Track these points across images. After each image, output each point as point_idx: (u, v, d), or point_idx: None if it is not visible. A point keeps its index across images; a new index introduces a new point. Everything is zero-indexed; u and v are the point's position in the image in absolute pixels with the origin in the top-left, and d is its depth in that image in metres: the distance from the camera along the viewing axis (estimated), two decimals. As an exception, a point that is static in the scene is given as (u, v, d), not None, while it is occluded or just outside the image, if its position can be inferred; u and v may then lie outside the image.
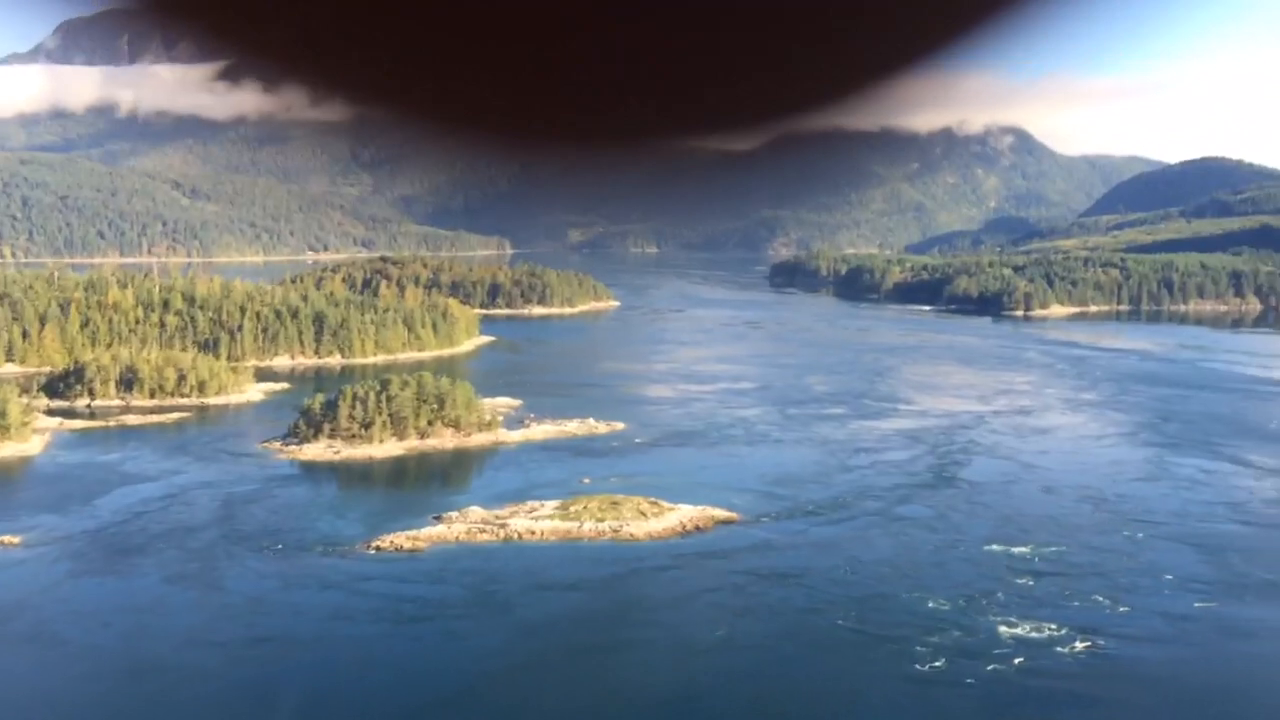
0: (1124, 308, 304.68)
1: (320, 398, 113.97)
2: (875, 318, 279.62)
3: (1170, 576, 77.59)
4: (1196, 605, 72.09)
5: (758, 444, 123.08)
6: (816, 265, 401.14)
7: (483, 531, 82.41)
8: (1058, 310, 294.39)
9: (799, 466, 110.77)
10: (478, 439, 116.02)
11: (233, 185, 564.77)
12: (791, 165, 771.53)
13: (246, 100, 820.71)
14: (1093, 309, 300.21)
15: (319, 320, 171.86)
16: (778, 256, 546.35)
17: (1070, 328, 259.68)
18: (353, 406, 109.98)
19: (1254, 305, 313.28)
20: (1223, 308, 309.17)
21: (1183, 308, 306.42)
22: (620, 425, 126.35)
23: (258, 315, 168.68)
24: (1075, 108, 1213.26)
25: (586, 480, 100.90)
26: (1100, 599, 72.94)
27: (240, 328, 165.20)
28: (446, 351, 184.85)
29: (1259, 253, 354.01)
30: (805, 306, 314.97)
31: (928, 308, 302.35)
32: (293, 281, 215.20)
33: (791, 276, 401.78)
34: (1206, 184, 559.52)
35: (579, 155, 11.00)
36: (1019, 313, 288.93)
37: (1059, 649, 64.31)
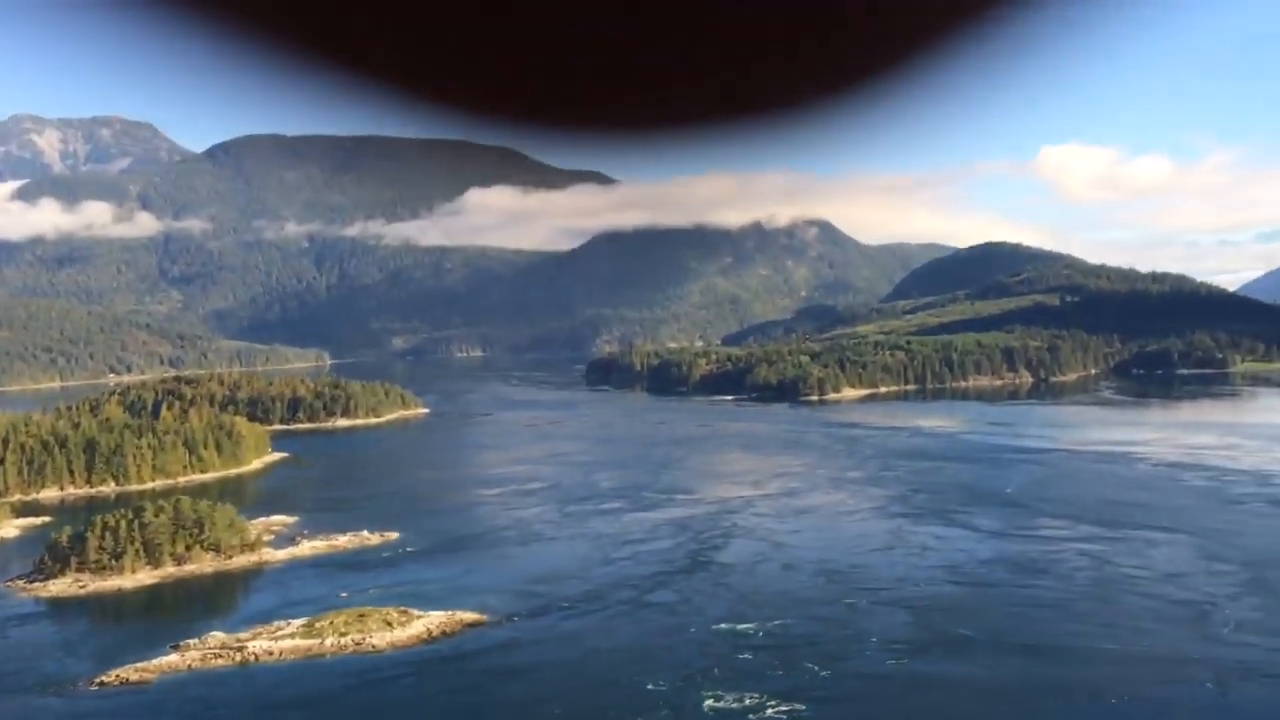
0: (911, 387, 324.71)
1: (68, 530, 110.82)
2: (678, 410, 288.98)
3: (875, 639, 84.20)
4: (889, 663, 78.67)
5: (530, 544, 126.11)
6: (630, 361, 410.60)
7: (218, 657, 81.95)
8: (849, 393, 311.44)
9: (563, 563, 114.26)
10: (240, 561, 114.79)
11: (26, 309, 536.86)
12: (612, 264, 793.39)
13: (44, 219, 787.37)
14: (882, 390, 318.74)
15: (91, 447, 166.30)
16: (602, 354, 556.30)
17: (857, 409, 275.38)
18: (102, 537, 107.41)
19: (1025, 378, 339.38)
20: (998, 382, 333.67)
21: (963, 384, 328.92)
22: (394, 535, 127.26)
23: (22, 447, 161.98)
24: (874, 200, 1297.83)
25: (344, 595, 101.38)
26: (808, 665, 78.58)
27: (2, 461, 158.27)
28: (233, 471, 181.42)
29: (1029, 329, 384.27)
30: (614, 403, 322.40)
31: (730, 397, 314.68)
32: (68, 408, 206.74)
33: (607, 374, 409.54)
34: (990, 267, 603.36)
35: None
36: (814, 397, 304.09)
37: (755, 716, 69.21)
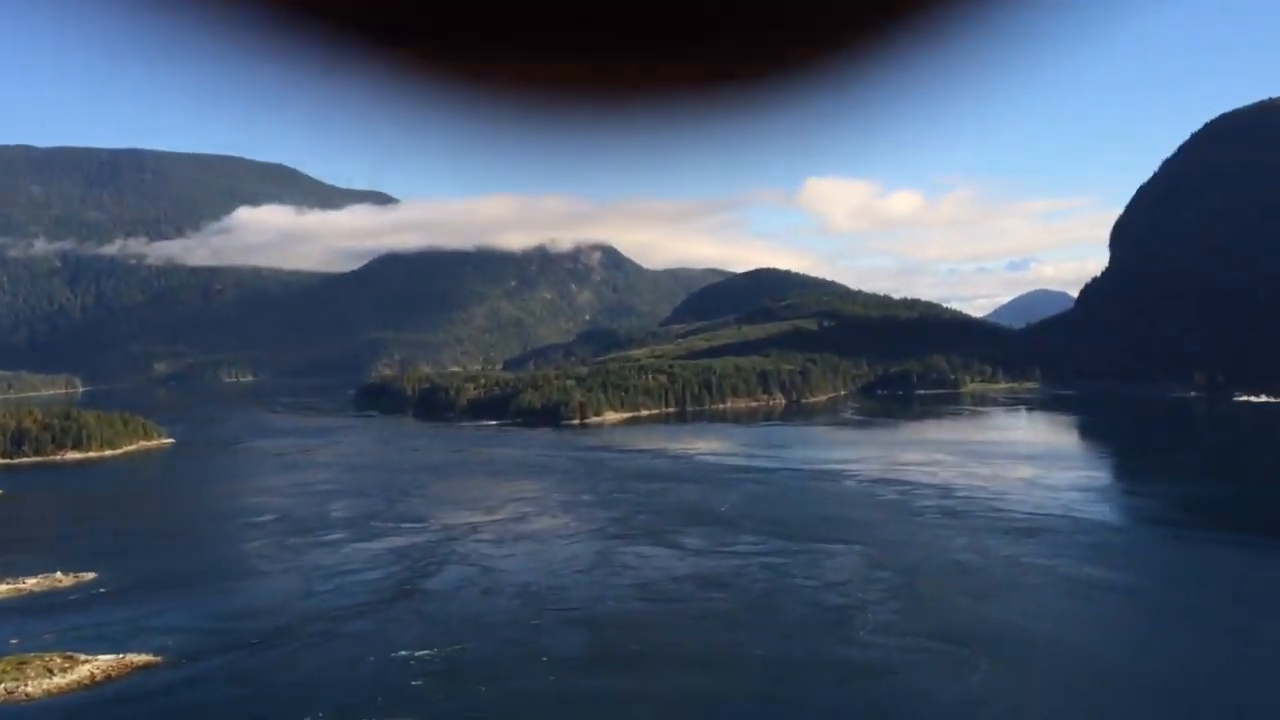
0: (672, 410, 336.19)
1: None
2: (437, 436, 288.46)
3: (546, 658, 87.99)
4: (550, 680, 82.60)
5: (237, 579, 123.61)
6: (401, 386, 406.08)
7: None
8: (612, 416, 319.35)
9: (262, 598, 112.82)
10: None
11: None
12: (393, 285, 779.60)
13: None
14: (644, 413, 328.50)
15: None
16: (381, 378, 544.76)
17: (615, 433, 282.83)
18: None
19: (780, 400, 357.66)
20: (754, 404, 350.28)
21: (722, 406, 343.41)
22: (89, 576, 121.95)
23: None
24: (656, 226, 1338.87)
25: (15, 641, 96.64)
26: (473, 687, 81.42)
27: None
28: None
29: (786, 353, 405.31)
30: (376, 429, 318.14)
31: (495, 422, 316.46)
32: None
33: (378, 399, 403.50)
34: (760, 293, 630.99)
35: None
36: (576, 421, 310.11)
37: (403, 741, 71.45)
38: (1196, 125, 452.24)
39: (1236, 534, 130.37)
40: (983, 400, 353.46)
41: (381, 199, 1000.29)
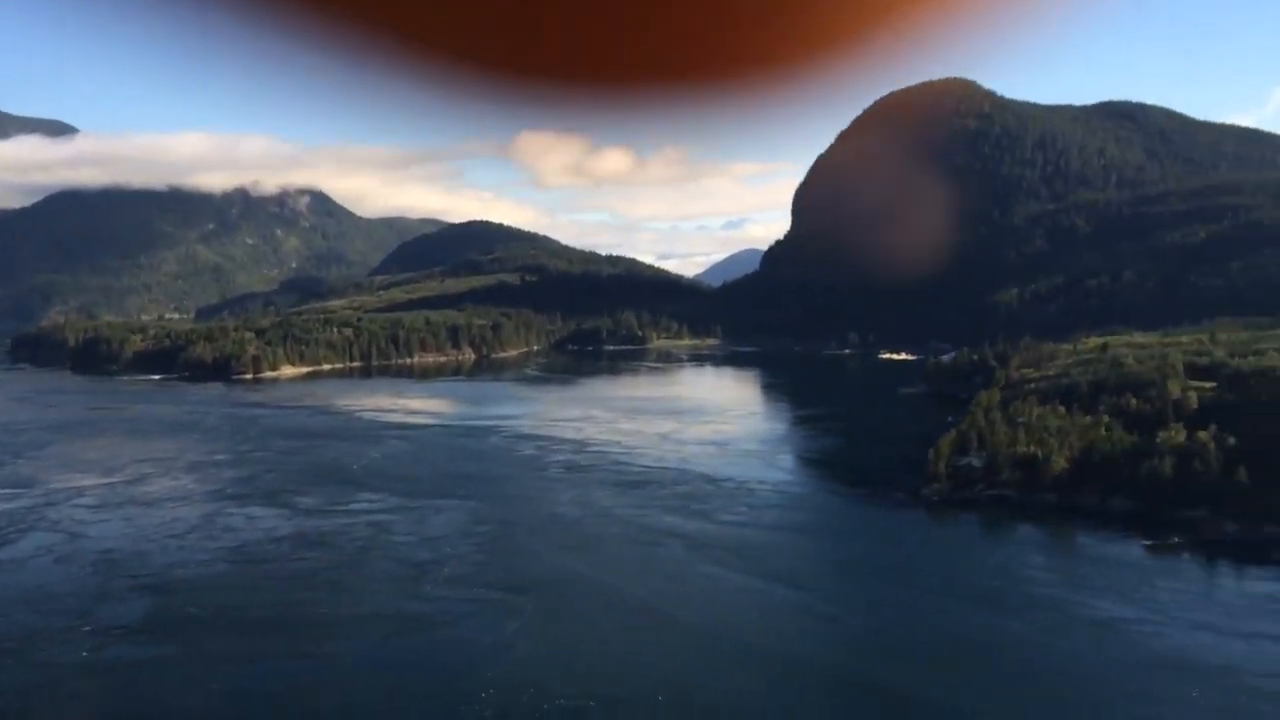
0: (356, 364, 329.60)
1: None
2: (89, 391, 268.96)
3: (91, 628, 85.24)
4: (84, 651, 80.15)
5: None
6: (62, 336, 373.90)
7: None
8: (289, 371, 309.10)
9: None
10: None
11: None
12: (71, 225, 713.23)
13: None
14: (326, 368, 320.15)
15: None
16: (39, 328, 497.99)
17: (285, 388, 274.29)
18: None
19: (469, 355, 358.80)
20: (442, 358, 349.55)
21: (409, 361, 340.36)
22: None
23: None
24: (371, 173, 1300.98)
25: None
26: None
27: None
28: None
29: (480, 307, 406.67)
30: (22, 384, 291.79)
31: (158, 376, 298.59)
32: None
33: (34, 350, 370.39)
34: (474, 245, 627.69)
35: None
36: (249, 376, 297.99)
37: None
38: (869, 101, 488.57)
39: (833, 483, 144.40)
40: (667, 356, 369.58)
41: (57, 128, 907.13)
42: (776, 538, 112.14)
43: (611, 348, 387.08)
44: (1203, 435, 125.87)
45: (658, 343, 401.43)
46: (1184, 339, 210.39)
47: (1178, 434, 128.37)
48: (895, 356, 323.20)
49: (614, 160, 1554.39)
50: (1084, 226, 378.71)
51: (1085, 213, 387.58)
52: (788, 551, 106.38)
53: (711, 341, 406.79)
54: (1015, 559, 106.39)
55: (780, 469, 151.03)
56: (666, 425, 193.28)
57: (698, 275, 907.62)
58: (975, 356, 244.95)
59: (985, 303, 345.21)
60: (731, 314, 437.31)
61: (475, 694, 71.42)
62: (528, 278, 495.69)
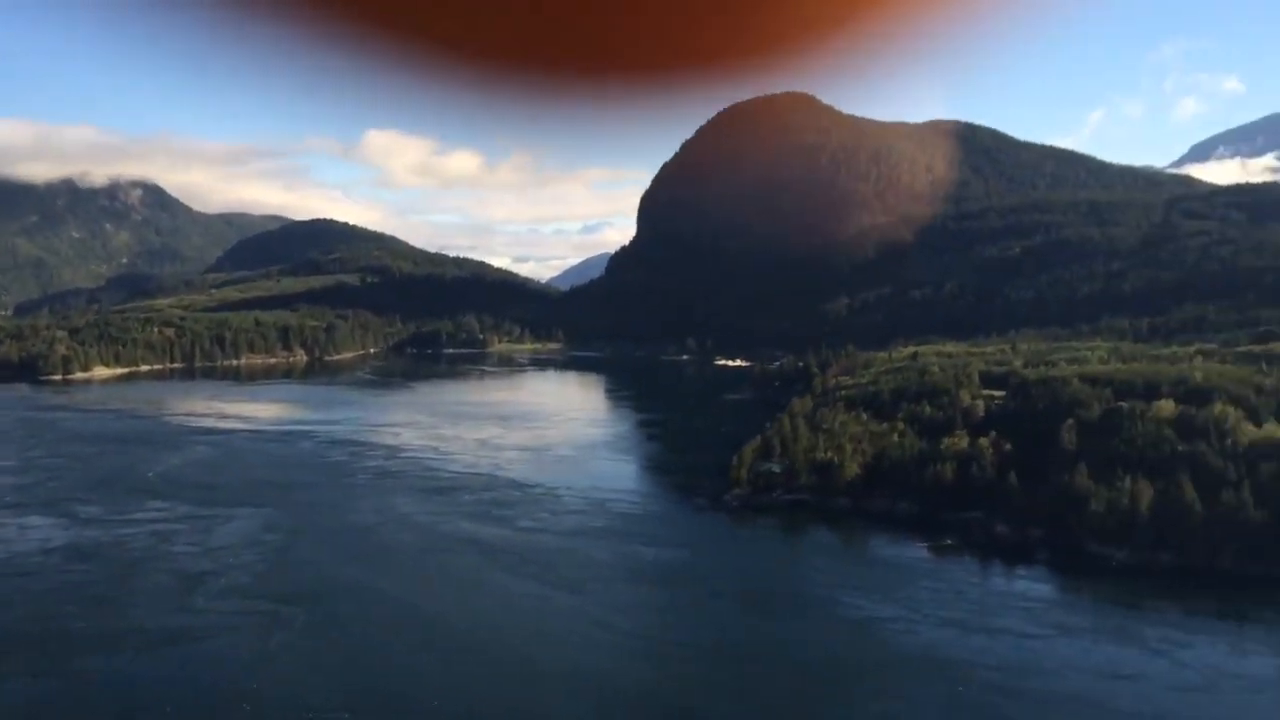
0: (178, 365, 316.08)
1: None
2: None
3: None
4: None
5: None
6: None
7: None
8: (103, 372, 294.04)
9: None
10: None
11: None
12: None
13: None
14: (144, 369, 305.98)
15: None
16: None
17: (95, 390, 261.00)
18: None
19: (301, 357, 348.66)
20: (272, 360, 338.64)
21: (235, 363, 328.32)
22: None
23: None
24: (211, 167, 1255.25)
25: None
26: None
27: None
28: None
29: (315, 308, 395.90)
30: None
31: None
32: None
33: None
34: (317, 244, 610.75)
35: None
36: (58, 377, 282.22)
37: None
38: (712, 111, 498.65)
39: (641, 488, 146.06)
40: (507, 360, 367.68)
41: None
42: (571, 543, 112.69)
43: (451, 351, 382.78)
44: (983, 442, 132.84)
45: (499, 346, 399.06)
46: (989, 349, 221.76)
47: (961, 440, 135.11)
48: (730, 363, 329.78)
49: (463, 162, 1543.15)
50: (911, 239, 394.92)
51: (913, 226, 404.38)
52: (579, 558, 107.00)
53: (553, 346, 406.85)
54: (800, 562, 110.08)
55: (592, 475, 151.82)
56: (489, 431, 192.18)
57: (554, 279, 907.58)
58: (800, 364, 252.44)
59: (818, 311, 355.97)
60: (576, 319, 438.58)
61: (224, 709, 69.34)
62: (369, 279, 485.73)
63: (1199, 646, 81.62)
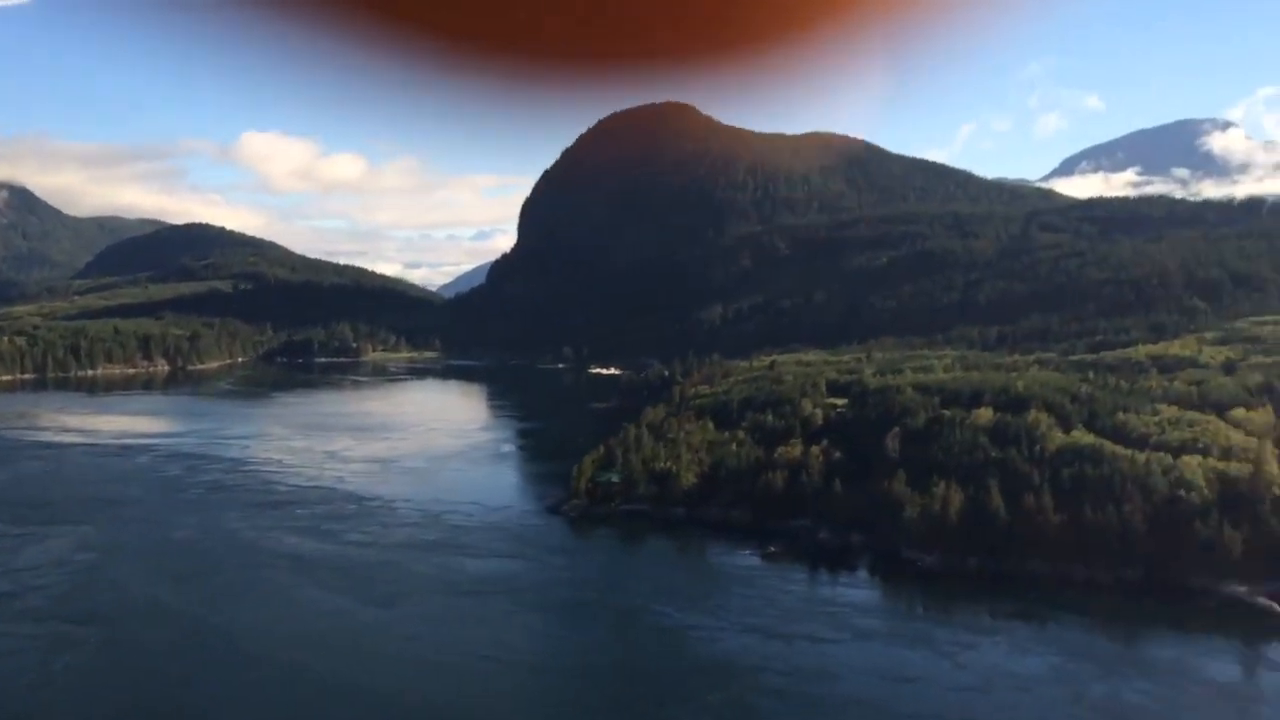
0: (29, 376, 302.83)
1: None
2: None
3: None
4: None
5: None
6: None
7: None
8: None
9: None
10: None
11: None
12: None
13: None
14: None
15: None
16: None
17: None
18: None
19: (163, 367, 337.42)
20: (131, 370, 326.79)
21: (92, 373, 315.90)
22: None
23: None
24: (82, 169, 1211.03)
25: None
26: None
27: None
28: None
29: (180, 316, 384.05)
30: None
31: None
32: None
33: None
34: (191, 249, 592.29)
35: None
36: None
37: None
38: (594, 119, 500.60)
39: (482, 499, 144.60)
40: (381, 370, 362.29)
41: None
42: (396, 557, 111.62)
43: (323, 360, 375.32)
44: (814, 450, 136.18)
45: (373, 355, 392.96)
46: (846, 358, 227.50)
47: (795, 449, 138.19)
48: (604, 371, 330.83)
49: (346, 165, 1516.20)
50: (785, 249, 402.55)
51: (788, 236, 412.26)
52: (399, 571, 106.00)
53: (430, 354, 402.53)
54: (622, 572, 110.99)
55: (437, 486, 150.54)
56: (341, 443, 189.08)
57: (446, 285, 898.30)
58: (666, 372, 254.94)
59: (693, 319, 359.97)
60: (455, 327, 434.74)
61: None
62: (242, 285, 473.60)
63: (983, 648, 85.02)
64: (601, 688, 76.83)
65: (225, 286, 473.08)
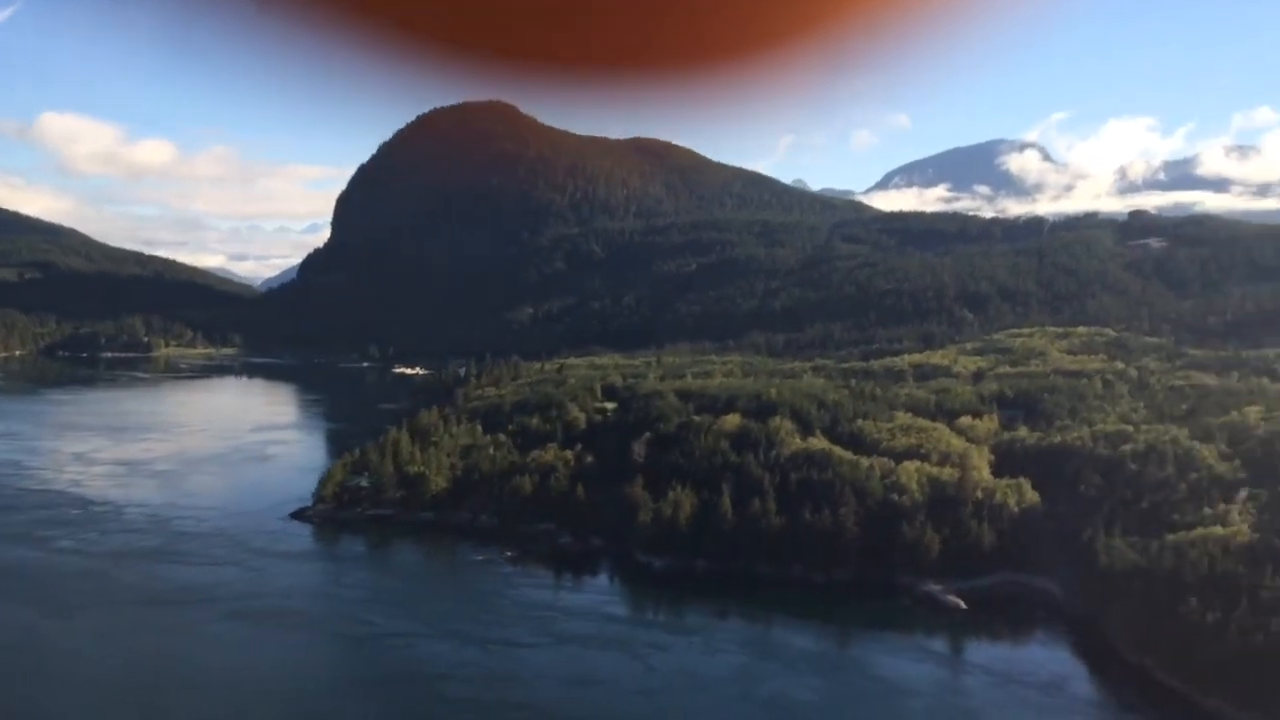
0: None
1: None
2: None
3: None
4: None
5: None
6: None
7: None
8: None
9: None
10: None
11: None
12: None
13: None
14: None
15: None
16: None
17: None
18: None
19: None
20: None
21: None
22: None
23: None
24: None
25: None
26: None
27: None
28: None
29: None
30: None
31: None
32: None
33: None
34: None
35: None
36: None
37: None
38: (412, 115, 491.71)
39: (224, 503, 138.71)
40: (172, 366, 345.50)
41: None
42: (103, 566, 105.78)
43: (110, 355, 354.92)
44: (565, 454, 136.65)
45: (165, 351, 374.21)
46: (638, 361, 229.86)
47: (548, 453, 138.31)
48: (409, 371, 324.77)
49: (153, 151, 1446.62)
50: (600, 252, 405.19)
51: (603, 239, 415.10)
52: (100, 581, 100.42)
53: (229, 351, 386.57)
54: (343, 579, 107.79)
55: (179, 491, 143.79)
56: (93, 444, 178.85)
57: (273, 278, 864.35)
58: (461, 373, 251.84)
59: (502, 320, 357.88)
60: (262, 322, 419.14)
61: None
62: (28, 274, 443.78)
63: (677, 649, 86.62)
64: (267, 703, 74.30)
65: (9, 275, 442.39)
